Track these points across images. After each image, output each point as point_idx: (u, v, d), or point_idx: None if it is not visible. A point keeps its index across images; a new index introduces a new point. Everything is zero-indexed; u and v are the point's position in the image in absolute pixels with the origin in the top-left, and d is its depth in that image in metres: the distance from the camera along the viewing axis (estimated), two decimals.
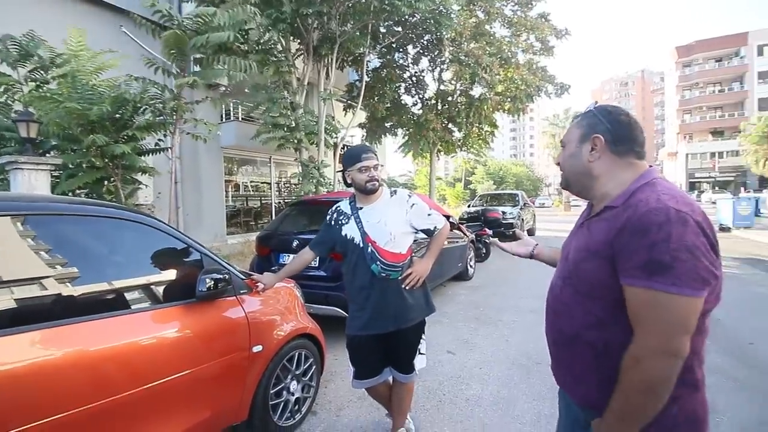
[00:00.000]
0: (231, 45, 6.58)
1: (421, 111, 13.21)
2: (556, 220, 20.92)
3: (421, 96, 13.72)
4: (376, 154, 1.98)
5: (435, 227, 2.03)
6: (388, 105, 12.40)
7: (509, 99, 13.10)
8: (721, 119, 42.96)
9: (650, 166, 1.01)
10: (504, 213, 10.70)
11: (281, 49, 8.16)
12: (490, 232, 8.58)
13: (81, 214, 1.65)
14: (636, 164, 1.00)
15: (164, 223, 1.94)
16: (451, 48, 12.08)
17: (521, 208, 11.53)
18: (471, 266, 6.67)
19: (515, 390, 2.88)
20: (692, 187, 41.60)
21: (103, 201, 3.24)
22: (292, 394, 2.37)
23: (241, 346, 2.02)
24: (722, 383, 2.86)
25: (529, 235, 12.95)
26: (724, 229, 12.47)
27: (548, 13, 12.88)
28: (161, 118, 4.78)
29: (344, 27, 8.82)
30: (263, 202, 11.87)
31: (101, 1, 7.60)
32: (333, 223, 2.03)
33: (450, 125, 13.56)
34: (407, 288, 1.95)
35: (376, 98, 12.07)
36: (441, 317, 4.61)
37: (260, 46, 7.50)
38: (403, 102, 13.48)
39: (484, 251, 8.12)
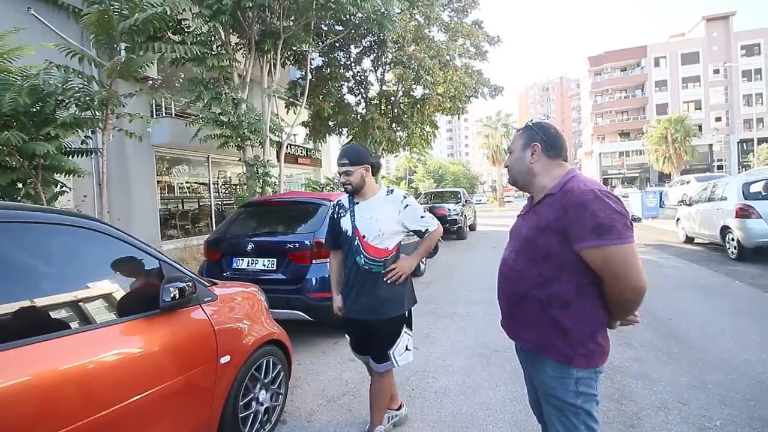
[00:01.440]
0: (163, 35, 6.07)
1: (365, 110, 13.25)
2: (493, 216, 22.20)
3: (364, 96, 13.76)
4: (351, 159, 2.06)
5: (426, 229, 2.12)
6: (333, 104, 12.27)
7: (449, 99, 13.61)
8: (628, 122, 48.53)
9: (572, 167, 1.38)
10: (449, 210, 11.11)
11: (221, 42, 7.70)
12: None
13: (19, 221, 1.43)
14: (563, 164, 1.38)
15: (116, 228, 1.75)
16: (394, 50, 12.27)
17: (463, 205, 12.04)
18: (422, 262, 6.83)
19: (478, 378, 3.01)
20: (605, 182, 46.40)
21: (34, 205, 2.82)
22: (262, 404, 2.26)
23: (208, 358, 1.89)
24: (654, 356, 3.23)
25: (470, 230, 13.67)
26: (635, 219, 14.07)
27: (482, 21, 13.57)
28: (88, 113, 4.24)
29: (287, 23, 8.55)
30: (201, 204, 11.13)
31: None
32: (335, 216, 2.19)
33: (394, 125, 13.76)
34: (388, 282, 2.04)
35: (320, 97, 11.88)
36: None
37: (197, 38, 7.01)
38: (347, 101, 13.42)
39: (433, 247, 8.35)
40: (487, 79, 14.16)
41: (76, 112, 4.10)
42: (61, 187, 4.41)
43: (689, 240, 8.94)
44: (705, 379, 2.81)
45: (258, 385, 2.24)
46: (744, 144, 40.42)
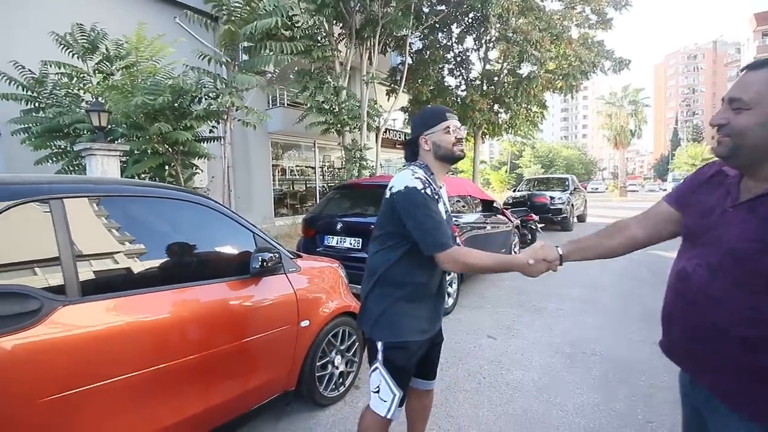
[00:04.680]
0: (276, 32, 6.75)
1: (465, 92, 12.84)
2: (610, 206, 19.78)
3: (465, 77, 13.32)
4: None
5: None
6: (432, 87, 12.18)
7: (561, 77, 12.38)
8: None
9: None
10: (552, 198, 10.27)
11: (324, 33, 8.23)
12: (536, 217, 8.30)
13: (153, 196, 1.82)
14: None
15: (222, 205, 2.09)
16: (498, 25, 11.56)
17: (571, 193, 10.99)
18: (516, 252, 6.52)
19: (558, 378, 2.83)
20: None
21: (167, 184, 3.50)
22: (337, 368, 2.49)
23: (290, 320, 2.15)
24: None
25: (579, 221, 12.41)
26: None
27: None
28: (214, 107, 5.06)
29: (386, 8, 8.70)
30: (308, 185, 12.23)
31: None
32: (432, 196, 1.43)
33: (496, 106, 13.09)
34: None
35: (419, 81, 11.88)
36: (483, 302, 4.59)
37: (305, 32, 7.62)
38: (446, 84, 13.17)
39: (530, 237, 7.88)
40: (610, 51, 12.47)
41: (206, 107, 4.94)
42: (195, 169, 5.36)
43: None
44: None
45: (334, 351, 2.48)
46: None
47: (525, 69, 12.79)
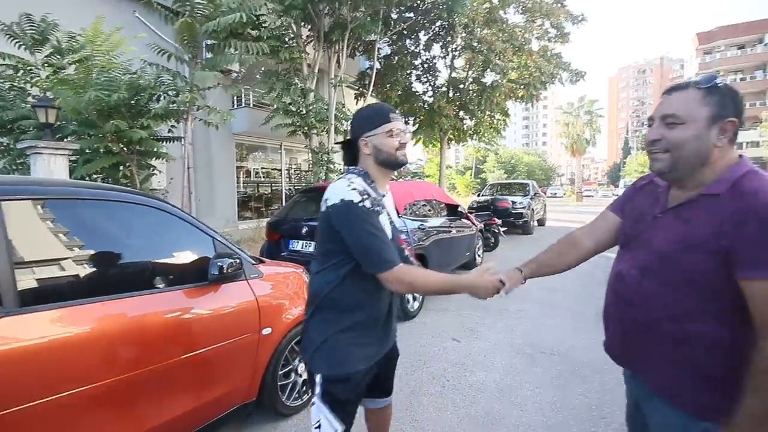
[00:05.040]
0: (242, 31, 6.59)
1: (432, 98, 13.08)
2: (567, 211, 20.73)
3: (432, 83, 13.57)
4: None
5: None
6: (400, 92, 12.31)
7: (522, 86, 12.89)
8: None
9: (741, 154, 0.98)
10: (514, 202, 10.64)
11: (292, 35, 8.13)
12: (499, 221, 8.56)
13: (102, 199, 1.72)
14: (732, 150, 0.98)
15: (179, 208, 2.00)
16: (464, 34, 11.89)
17: (532, 198, 11.43)
18: (479, 255, 6.69)
19: (519, 378, 2.93)
20: None
21: (120, 186, 3.32)
22: (300, 376, 2.44)
23: (251, 329, 2.09)
24: None
25: (539, 225, 12.93)
26: None
27: None
28: (174, 105, 4.84)
29: (355, 13, 8.73)
30: (274, 188, 11.98)
31: None
32: (373, 208, 1.25)
33: (462, 113, 13.42)
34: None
35: (387, 86, 11.99)
36: (448, 305, 4.66)
37: (272, 32, 7.49)
38: (414, 90, 13.36)
39: (493, 240, 8.12)
40: (567, 63, 13.13)
41: (165, 105, 4.72)
42: (153, 170, 5.11)
43: None
44: None
45: (297, 359, 2.43)
46: None
47: (489, 78, 13.21)
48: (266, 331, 2.16)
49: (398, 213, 4.26)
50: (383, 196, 1.36)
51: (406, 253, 1.38)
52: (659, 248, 1.01)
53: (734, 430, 0.89)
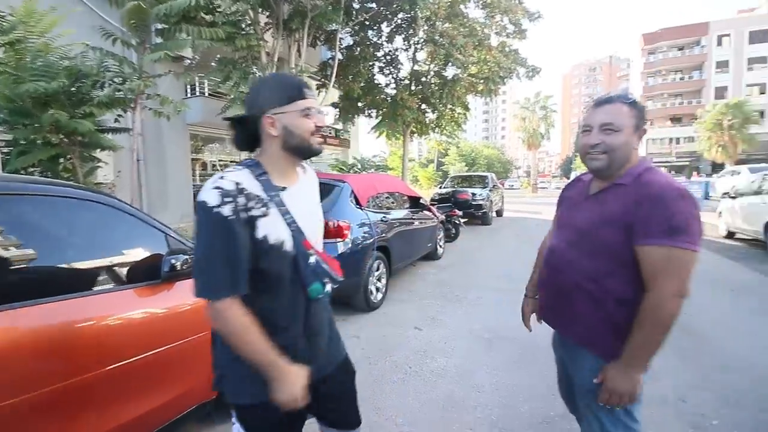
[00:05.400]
0: (195, 15, 6.25)
1: (395, 91, 13.12)
2: (524, 202, 21.62)
3: (395, 76, 13.59)
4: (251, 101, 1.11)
5: None
6: (363, 84, 12.24)
7: (482, 80, 13.21)
8: (680, 106, 45.05)
9: (642, 156, 1.27)
10: (473, 194, 10.97)
11: (249, 22, 7.83)
12: (459, 213, 8.80)
13: (40, 194, 1.60)
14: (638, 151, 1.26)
15: (126, 203, 1.91)
16: (426, 28, 11.97)
17: (491, 190, 11.83)
18: (441, 246, 6.85)
19: (477, 362, 3.06)
20: None
21: (60, 180, 3.09)
22: None
23: (208, 326, 2.04)
24: (663, 350, 3.14)
25: (498, 216, 13.41)
26: None
27: None
28: (121, 93, 4.52)
29: (316, 1, 8.54)
30: None
31: None
32: (236, 216, 0.98)
33: (424, 106, 13.56)
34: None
35: (350, 77, 11.87)
36: (410, 296, 4.76)
37: (227, 18, 7.17)
38: (377, 82, 13.33)
39: (454, 231, 8.34)
40: (524, 59, 13.58)
41: (110, 93, 4.39)
42: (97, 162, 4.77)
43: (730, 235, 8.41)
44: (710, 378, 2.72)
45: None
46: None
47: (450, 71, 13.42)
48: None
49: (361, 206, 4.28)
50: (283, 189, 1.08)
51: (326, 267, 1.11)
52: (581, 225, 1.29)
53: (624, 358, 1.16)
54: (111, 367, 1.59)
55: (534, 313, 1.58)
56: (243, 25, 7.65)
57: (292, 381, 1.04)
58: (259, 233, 1.01)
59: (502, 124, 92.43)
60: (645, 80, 47.52)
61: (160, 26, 4.97)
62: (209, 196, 0.97)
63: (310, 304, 1.13)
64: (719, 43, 42.24)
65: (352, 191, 4.29)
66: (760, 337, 3.40)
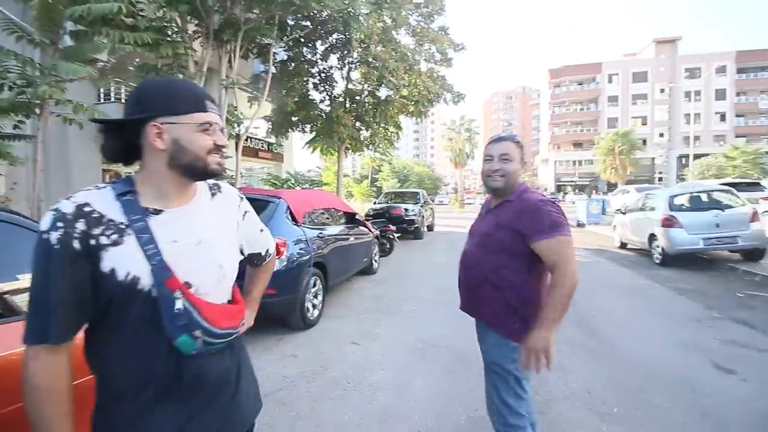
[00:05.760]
0: (114, 17, 5.80)
1: (330, 107, 13.24)
2: (452, 217, 22.84)
3: (329, 93, 13.74)
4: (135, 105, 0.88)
5: (267, 250, 1.22)
6: (297, 99, 12.18)
7: (413, 102, 13.89)
8: (582, 133, 51.51)
9: (522, 181, 1.70)
10: (406, 210, 11.38)
11: (177, 29, 7.46)
12: (393, 228, 9.07)
13: None
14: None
15: (28, 218, 1.73)
16: (360, 49, 12.36)
17: (422, 206, 12.36)
18: (376, 261, 6.99)
19: (411, 373, 3.19)
20: (558, 189, 48.93)
21: None
22: None
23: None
24: (572, 350, 3.56)
25: (429, 230, 14.03)
26: (579, 225, 15.00)
27: (447, 27, 13.93)
28: (24, 97, 4.00)
29: (249, 14, 8.41)
30: None
31: None
32: (64, 246, 0.79)
33: (358, 123, 13.85)
34: None
35: (284, 92, 11.75)
36: (347, 311, 4.80)
37: (151, 23, 6.75)
38: (311, 97, 13.36)
39: (388, 246, 8.56)
40: (450, 85, 14.57)
41: (11, 96, 3.88)
42: None
43: (623, 245, 9.70)
44: (612, 372, 3.15)
45: None
46: (683, 159, 44.00)
47: (383, 92, 13.94)
48: None
49: (297, 222, 4.26)
50: (156, 212, 0.87)
51: (196, 317, 0.85)
52: (485, 231, 1.70)
53: (541, 322, 1.47)
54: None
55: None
56: (169, 32, 7.25)
57: None
58: (105, 266, 0.80)
59: (431, 143, 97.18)
60: (552, 109, 53.61)
61: (73, 27, 4.53)
62: (44, 219, 0.80)
63: (184, 362, 0.87)
64: (610, 81, 49.33)
65: (288, 207, 4.26)
66: (647, 333, 4.01)
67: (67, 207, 0.81)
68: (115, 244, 0.82)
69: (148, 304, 0.83)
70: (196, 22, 8.41)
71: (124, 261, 0.82)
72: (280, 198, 4.24)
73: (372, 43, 12.16)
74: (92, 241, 0.80)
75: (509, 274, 1.58)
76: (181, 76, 7.48)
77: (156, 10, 6.49)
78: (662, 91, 46.25)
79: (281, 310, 3.89)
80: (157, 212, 0.88)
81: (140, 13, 6.75)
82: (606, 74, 49.45)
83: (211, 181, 1.03)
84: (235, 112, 9.01)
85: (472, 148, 36.86)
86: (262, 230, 1.19)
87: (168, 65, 7.58)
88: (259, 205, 4.12)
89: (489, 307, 1.64)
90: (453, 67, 14.89)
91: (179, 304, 0.84)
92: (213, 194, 1.03)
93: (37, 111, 4.15)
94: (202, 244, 0.92)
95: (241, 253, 1.12)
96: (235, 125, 8.98)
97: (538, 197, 1.58)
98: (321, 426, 2.44)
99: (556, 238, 1.48)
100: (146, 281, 0.83)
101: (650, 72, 47.61)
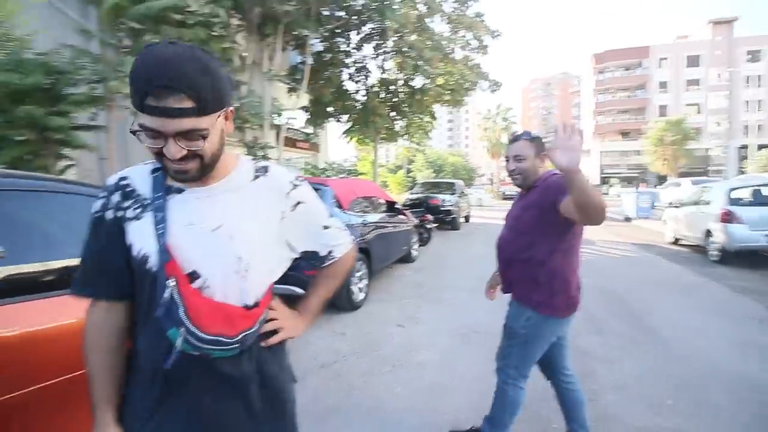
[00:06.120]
0: (165, 15, 6.15)
1: (366, 97, 13.35)
2: (488, 208, 22.42)
3: (364, 83, 13.85)
4: (199, 98, 0.71)
5: (330, 252, 1.02)
6: (333, 90, 12.39)
7: (449, 91, 13.74)
8: (629, 122, 48.64)
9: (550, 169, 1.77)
10: (443, 200, 11.35)
11: (222, 25, 7.77)
12: (431, 217, 9.10)
13: (51, 191, 1.62)
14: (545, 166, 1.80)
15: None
16: (395, 38, 12.34)
17: (459, 196, 12.27)
18: (415, 249, 7.09)
19: (457, 355, 3.27)
20: (604, 181, 46.68)
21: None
22: None
23: None
24: (621, 344, 3.51)
25: (465, 221, 13.90)
26: (627, 219, 14.36)
27: (483, 13, 13.57)
28: (98, 92, 4.40)
29: (286, 7, 8.60)
30: None
31: None
32: (102, 214, 0.84)
33: (393, 113, 13.89)
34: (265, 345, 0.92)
35: (320, 82, 11.98)
36: (390, 296, 4.94)
37: (197, 20, 7.08)
38: (345, 88, 13.51)
39: (426, 235, 8.62)
40: (486, 73, 14.27)
41: (90, 91, 4.29)
42: (69, 161, 4.61)
43: (675, 241, 9.20)
44: (664, 367, 3.08)
45: None
46: (743, 149, 40.72)
47: (418, 81, 13.87)
48: None
49: (343, 209, 4.42)
50: (179, 191, 0.84)
51: (178, 312, 0.78)
52: (515, 214, 1.88)
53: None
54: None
55: (495, 287, 2.13)
56: (215, 27, 7.58)
57: None
58: (128, 239, 0.82)
59: (466, 132, 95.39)
60: (596, 96, 50.92)
61: (135, 27, 4.88)
62: (98, 200, 0.87)
63: (190, 358, 0.80)
64: (659, 66, 46.18)
65: (334, 195, 4.42)
66: (703, 331, 3.85)
67: (112, 180, 0.87)
68: (136, 218, 0.82)
69: (153, 287, 0.80)
70: (239, 16, 8.72)
71: (139, 237, 0.81)
72: (327, 185, 4.41)
73: (407, 31, 12.10)
74: (120, 213, 0.83)
75: (537, 253, 1.70)
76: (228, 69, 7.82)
77: (203, 5, 6.80)
78: (719, 76, 42.83)
79: None
80: (179, 191, 0.84)
81: (186, 9, 7.10)
82: (655, 58, 46.32)
83: (261, 162, 0.94)
84: (276, 104, 9.31)
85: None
86: (327, 227, 0.99)
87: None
88: None
89: (519, 284, 1.81)
90: (489, 55, 14.56)
91: (167, 294, 0.78)
92: (256, 176, 0.90)
93: (109, 104, 4.56)
94: (220, 230, 0.82)
95: (292, 249, 0.96)
96: (276, 116, 9.28)
97: (555, 178, 1.68)
98: (375, 397, 2.59)
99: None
100: (153, 261, 0.80)
101: (705, 56, 44.14)
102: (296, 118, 14.16)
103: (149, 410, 0.82)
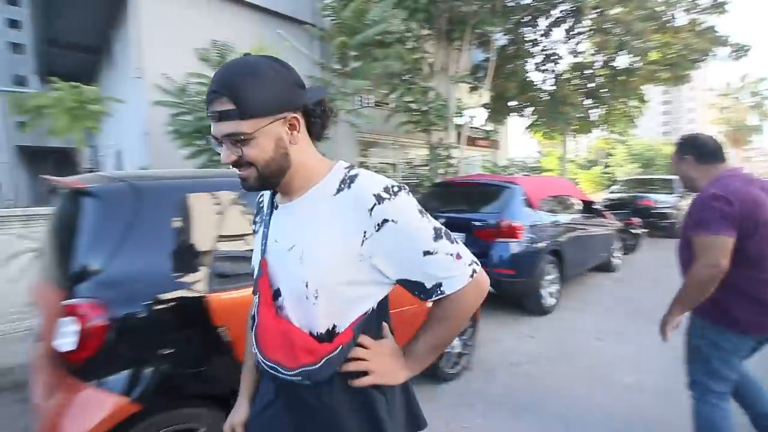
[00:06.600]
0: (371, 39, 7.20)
1: (554, 87, 12.29)
2: None
3: (553, 71, 12.70)
4: (239, 97, 0.68)
5: (438, 285, 0.77)
6: (517, 83, 11.87)
7: (667, 67, 11.26)
8: None
9: (725, 170, 1.67)
10: (657, 201, 9.37)
11: (414, 38, 8.50)
12: (639, 221, 7.69)
13: None
14: (717, 167, 1.70)
15: None
16: (594, 16, 10.86)
17: (680, 197, 9.75)
18: (617, 257, 6.17)
19: (673, 380, 2.72)
20: None
21: None
22: (453, 348, 2.72)
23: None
24: None
25: None
26: None
27: None
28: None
29: (472, 7, 8.66)
30: None
31: (267, 9, 9.03)
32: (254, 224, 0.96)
33: (588, 101, 12.33)
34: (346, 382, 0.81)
35: (502, 78, 11.65)
36: (585, 305, 4.49)
37: (396, 36, 7.96)
38: (530, 80, 12.69)
39: (632, 242, 7.35)
40: (724, 37, 11.01)
41: None
42: None
43: None
44: None
45: None
46: None
47: (622, 60, 11.83)
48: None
49: (533, 208, 4.25)
50: (277, 207, 0.84)
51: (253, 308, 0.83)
52: (683, 225, 1.77)
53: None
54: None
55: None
56: (409, 42, 8.35)
57: (232, 412, 0.97)
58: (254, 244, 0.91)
59: (689, 116, 75.84)
60: None
61: (353, 53, 5.97)
62: None
63: (279, 377, 0.81)
64: None
65: (524, 192, 4.28)
66: None
67: (259, 195, 0.97)
68: (255, 232, 0.91)
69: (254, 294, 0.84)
70: (428, 26, 9.31)
71: (254, 251, 0.88)
72: (516, 184, 4.32)
73: (608, 5, 10.45)
74: (254, 227, 0.93)
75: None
76: (417, 78, 8.51)
77: (401, 24, 7.60)
78: None
79: (517, 292, 4.02)
80: (277, 207, 0.85)
81: (388, 31, 8.05)
82: None
83: (350, 172, 0.79)
84: (460, 105, 9.57)
85: (761, 119, 26.89)
86: (430, 252, 0.75)
87: (407, 70, 8.74)
88: (496, 191, 4.32)
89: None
90: (728, 13, 11.12)
91: (252, 310, 0.81)
92: (339, 190, 0.77)
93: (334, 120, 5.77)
94: (293, 250, 0.77)
95: (384, 275, 0.77)
96: (459, 117, 9.56)
97: (708, 192, 1.58)
98: (572, 407, 2.45)
99: (698, 237, 1.57)
100: (255, 275, 0.84)
101: None
102: (475, 117, 14.23)
103: (266, 404, 0.88)
